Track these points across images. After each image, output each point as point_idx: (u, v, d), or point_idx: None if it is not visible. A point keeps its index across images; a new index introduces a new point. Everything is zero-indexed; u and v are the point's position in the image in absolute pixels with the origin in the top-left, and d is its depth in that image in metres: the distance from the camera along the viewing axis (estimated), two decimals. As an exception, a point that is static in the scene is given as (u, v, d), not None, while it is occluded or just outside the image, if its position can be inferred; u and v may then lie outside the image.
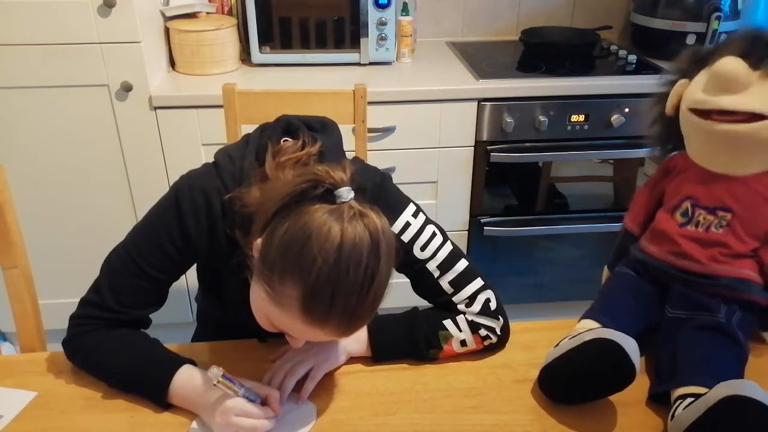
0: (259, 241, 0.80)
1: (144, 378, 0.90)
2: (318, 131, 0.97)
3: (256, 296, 0.82)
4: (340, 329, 0.77)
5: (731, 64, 0.88)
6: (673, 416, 0.84)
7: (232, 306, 1.03)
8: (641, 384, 0.93)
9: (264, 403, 0.87)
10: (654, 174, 1.07)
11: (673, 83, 1.01)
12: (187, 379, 0.90)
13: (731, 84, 0.89)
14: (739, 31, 0.96)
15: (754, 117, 0.88)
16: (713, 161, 0.96)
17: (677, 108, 0.99)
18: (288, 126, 0.97)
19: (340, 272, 0.73)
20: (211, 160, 0.96)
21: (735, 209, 0.94)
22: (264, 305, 0.80)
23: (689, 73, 0.99)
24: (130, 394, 0.92)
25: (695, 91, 0.94)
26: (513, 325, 1.03)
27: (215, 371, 0.82)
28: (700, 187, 0.97)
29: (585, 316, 0.99)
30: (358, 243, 0.73)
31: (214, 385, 0.83)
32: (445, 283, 0.99)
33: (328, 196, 0.77)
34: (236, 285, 0.89)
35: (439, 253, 0.98)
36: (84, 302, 0.95)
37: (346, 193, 0.77)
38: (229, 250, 0.91)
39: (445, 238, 1.00)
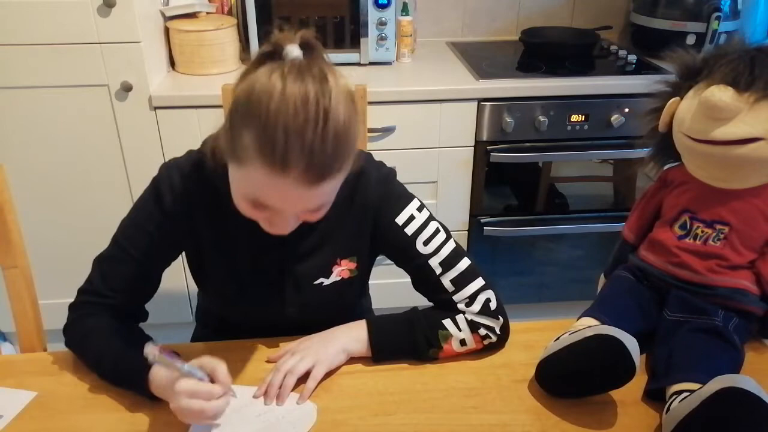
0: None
1: (127, 370, 0.90)
2: None
3: (232, 182, 0.82)
4: (307, 175, 0.74)
5: (719, 96, 0.88)
6: (668, 410, 0.84)
7: (218, 292, 1.03)
8: (642, 383, 0.93)
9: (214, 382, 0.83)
10: (652, 185, 1.08)
11: (664, 97, 1.01)
12: (159, 370, 0.87)
13: (721, 114, 0.89)
14: (729, 45, 0.96)
15: (748, 139, 0.88)
16: (711, 177, 0.96)
17: (670, 125, 0.99)
18: None
19: (288, 107, 0.72)
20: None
21: (733, 223, 0.95)
22: (237, 184, 0.80)
23: (680, 90, 0.99)
24: (118, 387, 0.91)
25: (686, 116, 0.95)
26: (513, 325, 1.03)
27: (151, 348, 0.77)
28: (698, 201, 0.98)
29: (584, 315, 0.99)
30: (302, 83, 0.73)
31: (152, 364, 0.80)
32: (446, 281, 0.99)
33: (277, 56, 0.78)
34: (219, 268, 0.89)
35: (442, 250, 0.99)
36: (79, 291, 1.00)
37: (292, 50, 0.78)
38: (210, 227, 0.93)
39: (448, 236, 1.01)
